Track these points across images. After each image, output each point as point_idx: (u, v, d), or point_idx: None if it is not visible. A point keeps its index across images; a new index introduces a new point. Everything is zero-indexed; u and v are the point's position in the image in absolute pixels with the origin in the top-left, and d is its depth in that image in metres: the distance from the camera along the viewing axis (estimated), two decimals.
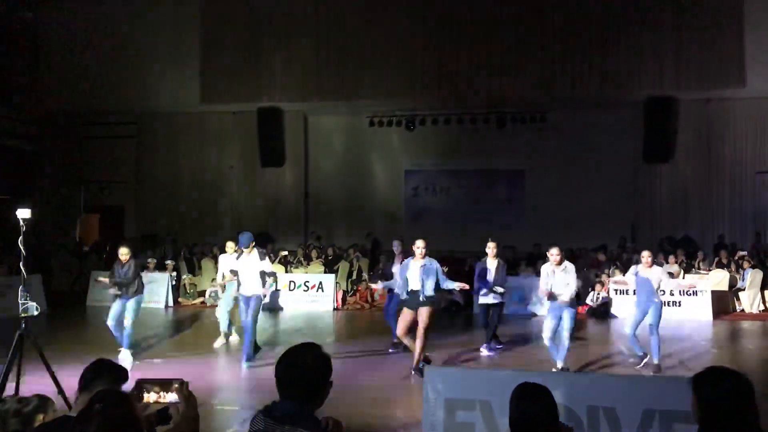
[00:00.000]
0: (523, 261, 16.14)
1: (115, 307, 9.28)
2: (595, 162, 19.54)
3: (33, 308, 5.68)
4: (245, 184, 20.26)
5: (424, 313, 8.30)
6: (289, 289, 14.98)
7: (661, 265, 15.42)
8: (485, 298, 9.94)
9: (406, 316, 8.39)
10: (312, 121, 20.96)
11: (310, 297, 15.08)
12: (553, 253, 8.25)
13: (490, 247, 9.90)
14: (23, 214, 5.66)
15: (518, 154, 20.25)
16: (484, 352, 9.94)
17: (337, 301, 14.93)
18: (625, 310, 13.82)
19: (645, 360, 8.88)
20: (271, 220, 20.14)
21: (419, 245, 8.39)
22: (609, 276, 14.74)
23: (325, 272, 15.94)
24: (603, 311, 14.20)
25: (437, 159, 20.84)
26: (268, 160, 19.64)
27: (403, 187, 21.25)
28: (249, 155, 19.78)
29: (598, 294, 14.36)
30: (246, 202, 20.22)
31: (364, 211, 20.76)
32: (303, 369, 2.57)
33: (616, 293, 14.24)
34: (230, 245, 11.01)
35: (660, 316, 8.84)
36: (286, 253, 17.01)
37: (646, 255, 9.15)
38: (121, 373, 3.16)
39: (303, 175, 20.67)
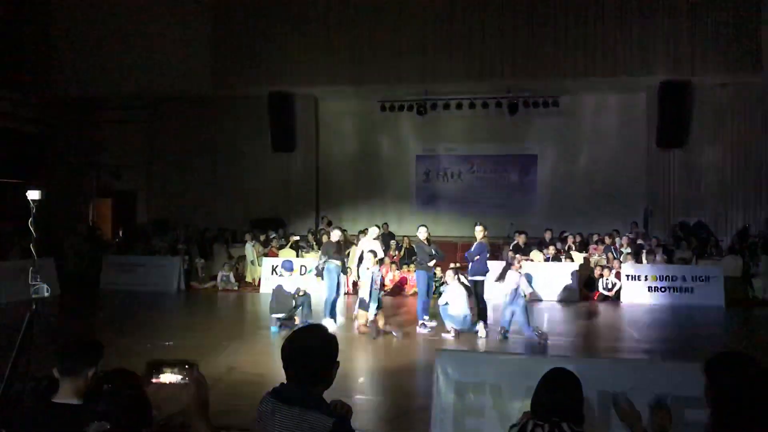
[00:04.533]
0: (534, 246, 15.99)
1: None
2: (608, 147, 19.47)
3: (44, 290, 5.70)
4: (257, 169, 20.11)
5: None
6: (300, 274, 14.74)
7: (673, 250, 15.44)
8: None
9: None
10: (323, 105, 20.77)
11: (321, 282, 14.98)
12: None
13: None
14: (33, 195, 5.71)
15: (531, 139, 20.12)
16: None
17: (347, 285, 14.74)
18: (635, 296, 13.93)
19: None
20: (282, 204, 20.10)
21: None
22: (620, 262, 14.68)
23: None
24: (614, 297, 14.19)
25: (449, 144, 20.71)
26: (279, 145, 19.54)
27: (414, 172, 21.12)
28: (260, 140, 19.63)
29: (607, 280, 14.33)
30: (257, 187, 20.10)
31: (374, 196, 20.72)
32: (309, 351, 2.56)
33: (627, 279, 14.18)
34: (375, 230, 12.49)
35: None
36: (297, 238, 16.95)
37: None
38: (98, 348, 3.18)
39: (314, 160, 20.60)
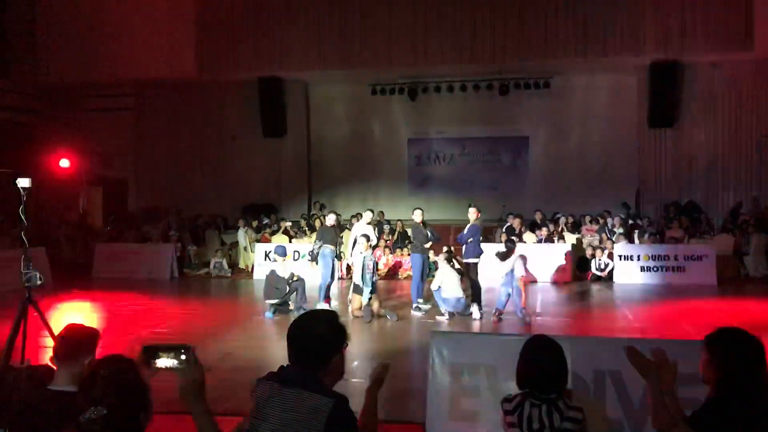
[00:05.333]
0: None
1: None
2: (599, 127, 19.53)
3: (36, 277, 5.69)
4: (248, 155, 19.98)
5: None
6: (294, 259, 14.76)
7: (665, 230, 15.44)
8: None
9: None
10: (313, 90, 20.74)
11: (315, 267, 14.95)
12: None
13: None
14: (23, 183, 5.72)
15: (522, 120, 20.14)
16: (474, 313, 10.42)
17: (341, 270, 14.61)
18: (628, 275, 13.98)
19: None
20: (274, 190, 20.12)
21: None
22: (613, 242, 14.70)
23: None
24: (607, 277, 14.22)
25: (440, 127, 20.73)
26: (269, 130, 19.53)
27: (406, 156, 21.15)
28: (251, 125, 19.61)
29: (600, 260, 14.36)
30: (249, 173, 20.03)
31: (366, 180, 20.76)
32: (314, 336, 2.56)
33: (620, 259, 14.22)
34: (369, 214, 12.25)
35: None
36: (289, 223, 16.94)
37: None
38: (94, 335, 3.18)
39: (305, 145, 20.59)
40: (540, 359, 2.99)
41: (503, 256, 10.15)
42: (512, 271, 9.99)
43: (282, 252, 11.33)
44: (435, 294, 10.38)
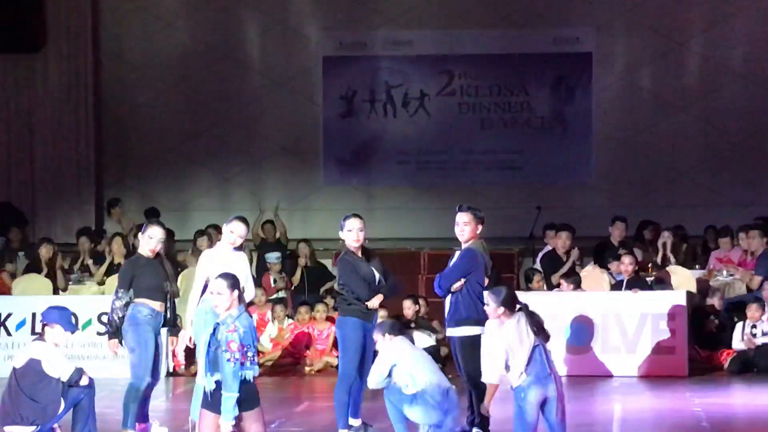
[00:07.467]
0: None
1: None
2: (754, 34, 20.03)
3: None
4: None
5: None
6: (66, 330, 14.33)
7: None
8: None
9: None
10: None
11: (118, 350, 14.60)
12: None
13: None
14: None
15: (578, 17, 20.46)
16: None
17: (175, 357, 14.26)
18: None
19: None
20: (17, 173, 20.62)
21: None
22: None
23: None
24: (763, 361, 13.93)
25: (395, 31, 20.95)
26: (5, 40, 19.77)
27: (320, 94, 21.10)
28: None
29: (755, 326, 14.11)
30: None
31: (232, 152, 21.04)
32: None
33: None
34: (240, 228, 10.96)
35: None
36: (50, 246, 16.71)
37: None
38: None
39: (89, 72, 20.53)
40: None
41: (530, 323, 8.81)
42: (541, 353, 8.63)
43: (64, 322, 9.79)
44: (389, 403, 9.56)
